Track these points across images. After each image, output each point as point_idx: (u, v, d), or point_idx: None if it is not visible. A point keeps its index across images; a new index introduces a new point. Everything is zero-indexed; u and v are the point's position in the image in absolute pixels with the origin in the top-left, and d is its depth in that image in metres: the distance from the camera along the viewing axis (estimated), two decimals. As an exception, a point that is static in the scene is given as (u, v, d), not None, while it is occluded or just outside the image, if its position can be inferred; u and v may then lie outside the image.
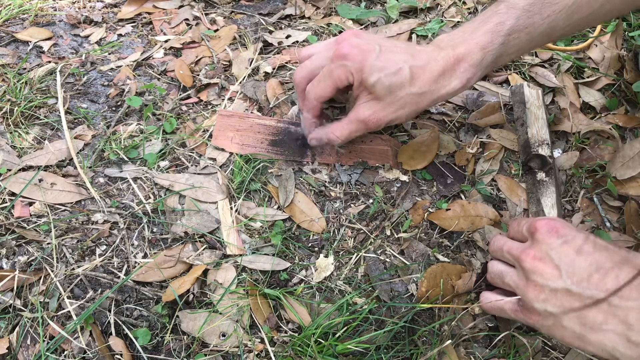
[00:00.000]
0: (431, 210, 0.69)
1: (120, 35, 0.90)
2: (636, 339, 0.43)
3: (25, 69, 0.82)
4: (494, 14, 0.59)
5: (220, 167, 0.71)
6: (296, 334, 0.59)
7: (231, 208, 0.67)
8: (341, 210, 0.69)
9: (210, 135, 0.74)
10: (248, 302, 0.60)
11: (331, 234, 0.67)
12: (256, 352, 0.58)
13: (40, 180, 0.67)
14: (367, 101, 0.61)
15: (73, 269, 0.62)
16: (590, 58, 0.87)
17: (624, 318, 0.44)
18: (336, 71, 0.60)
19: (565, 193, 0.72)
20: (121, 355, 0.57)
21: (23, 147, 0.71)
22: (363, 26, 0.94)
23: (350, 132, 0.64)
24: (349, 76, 0.60)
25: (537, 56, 0.87)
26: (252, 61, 0.84)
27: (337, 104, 0.78)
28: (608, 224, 0.70)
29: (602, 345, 0.45)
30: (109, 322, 0.59)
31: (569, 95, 0.81)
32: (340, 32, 0.90)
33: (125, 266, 0.63)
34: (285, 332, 0.60)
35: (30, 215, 0.65)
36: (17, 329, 0.57)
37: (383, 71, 0.58)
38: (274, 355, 0.57)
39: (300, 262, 0.64)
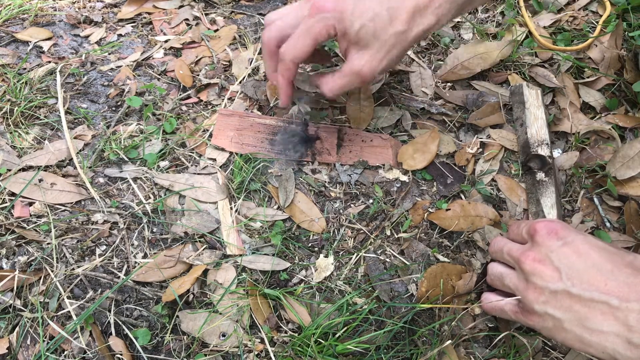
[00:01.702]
0: (431, 210, 0.69)
1: (120, 35, 0.90)
2: (637, 340, 0.43)
3: (25, 69, 0.82)
4: None
5: (220, 167, 0.71)
6: (296, 334, 0.59)
7: (231, 208, 0.67)
8: (341, 210, 0.69)
9: (211, 135, 0.74)
10: (248, 302, 0.60)
11: (331, 234, 0.67)
12: (256, 352, 0.58)
13: (40, 180, 0.67)
14: (357, 52, 0.59)
15: (73, 269, 0.62)
16: (590, 58, 0.87)
17: (624, 320, 0.44)
18: (316, 25, 0.58)
19: (565, 193, 0.72)
20: (121, 355, 0.57)
21: (23, 147, 0.71)
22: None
23: (343, 86, 0.62)
24: (329, 29, 0.58)
25: (537, 56, 0.86)
26: (252, 61, 0.84)
27: (337, 104, 0.78)
28: (608, 224, 0.70)
29: (602, 347, 0.45)
30: (109, 322, 0.59)
31: (569, 95, 0.81)
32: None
33: (125, 266, 0.63)
34: (285, 332, 0.60)
35: (30, 215, 0.65)
36: (17, 329, 0.58)
37: (363, 17, 0.57)
38: (274, 355, 0.57)
39: (300, 262, 0.64)
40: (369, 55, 0.59)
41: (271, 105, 0.78)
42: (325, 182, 0.71)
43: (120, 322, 0.59)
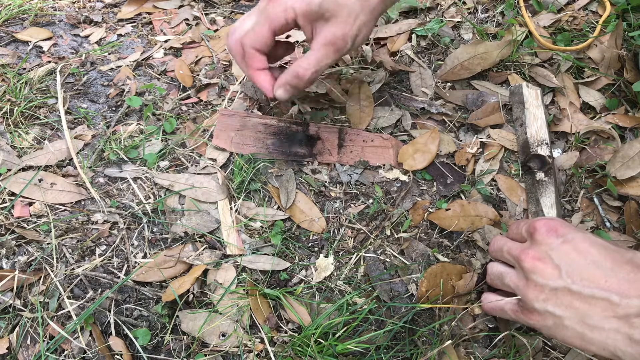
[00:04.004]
0: (431, 210, 0.69)
1: (120, 35, 0.90)
2: (637, 337, 0.43)
3: (25, 69, 0.82)
4: None
5: (221, 167, 0.71)
6: (296, 334, 0.59)
7: (231, 208, 0.67)
8: (341, 210, 0.69)
9: (211, 135, 0.74)
10: (248, 302, 0.60)
11: (331, 234, 0.67)
12: (256, 352, 0.58)
13: (40, 180, 0.67)
14: (324, 25, 0.57)
15: (73, 269, 0.62)
16: (590, 58, 0.87)
17: (625, 316, 0.44)
18: (272, 10, 0.55)
19: (565, 193, 0.72)
20: (121, 355, 0.57)
21: (23, 147, 0.71)
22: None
23: (319, 60, 0.59)
24: (287, 13, 0.56)
25: (537, 56, 0.86)
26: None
27: (337, 104, 0.78)
28: (608, 224, 0.70)
29: (603, 344, 0.45)
30: (109, 322, 0.59)
31: (569, 95, 0.81)
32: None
33: (125, 266, 0.63)
34: (285, 332, 0.60)
35: (30, 215, 0.65)
36: (17, 329, 0.57)
37: None
38: (274, 355, 0.57)
39: (300, 262, 0.64)
40: (338, 26, 0.57)
41: (271, 104, 0.78)
42: (326, 182, 0.71)
43: (120, 322, 0.59)
